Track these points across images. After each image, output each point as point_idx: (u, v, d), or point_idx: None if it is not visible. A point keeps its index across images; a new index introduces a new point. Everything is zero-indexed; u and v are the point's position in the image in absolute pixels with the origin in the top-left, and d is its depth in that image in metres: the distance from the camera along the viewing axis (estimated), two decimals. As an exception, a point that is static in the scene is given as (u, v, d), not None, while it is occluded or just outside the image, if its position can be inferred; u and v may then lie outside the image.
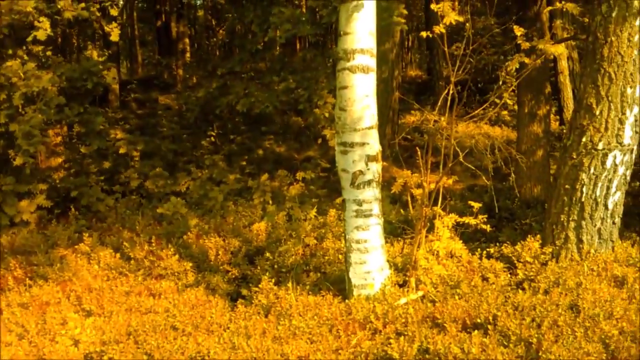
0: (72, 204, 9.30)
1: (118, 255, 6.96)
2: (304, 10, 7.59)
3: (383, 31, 12.12)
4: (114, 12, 9.67)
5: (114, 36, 9.77)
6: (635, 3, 5.13)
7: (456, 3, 20.80)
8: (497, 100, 5.93)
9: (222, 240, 7.27)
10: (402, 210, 8.35)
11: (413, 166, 5.70)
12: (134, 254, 6.97)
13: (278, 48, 17.51)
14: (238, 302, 5.59)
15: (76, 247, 7.25)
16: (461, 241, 6.00)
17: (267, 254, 6.66)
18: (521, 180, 9.50)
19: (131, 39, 27.07)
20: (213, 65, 11.79)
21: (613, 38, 5.23)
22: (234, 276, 6.53)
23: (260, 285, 5.57)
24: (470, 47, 5.17)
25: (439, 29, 4.94)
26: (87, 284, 6.14)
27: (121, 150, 10.69)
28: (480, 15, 18.57)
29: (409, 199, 5.69)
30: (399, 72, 14.16)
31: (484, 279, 5.30)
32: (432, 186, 5.43)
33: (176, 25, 20.07)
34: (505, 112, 16.29)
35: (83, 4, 8.76)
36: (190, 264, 6.66)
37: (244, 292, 5.94)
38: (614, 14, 5.21)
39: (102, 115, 10.30)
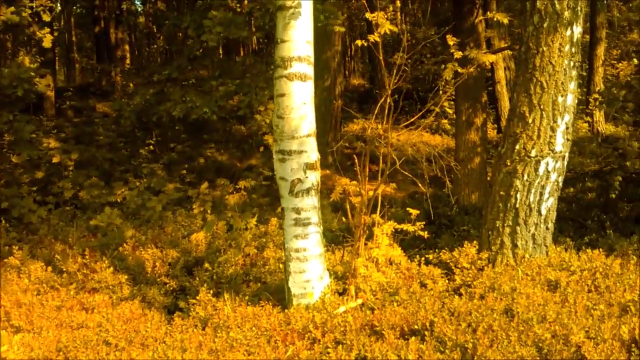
0: (2, 215, 8.93)
1: (50, 268, 6.72)
2: (242, 12, 7.50)
3: (325, 39, 12.19)
4: (46, 17, 9.33)
5: (47, 42, 9.44)
6: (566, 14, 5.30)
7: (398, 14, 21.13)
8: (437, 109, 6.01)
9: (160, 251, 7.10)
10: (343, 218, 8.35)
11: (355, 174, 5.70)
12: (66, 267, 6.74)
13: (221, 54, 17.36)
14: (175, 314, 5.46)
15: (5, 260, 6.96)
16: (401, 248, 6.04)
17: (206, 265, 6.54)
18: (459, 187, 9.69)
19: (68, 45, 26.35)
20: (150, 72, 11.53)
21: (545, 48, 5.38)
22: (171, 288, 6.38)
23: (198, 297, 5.45)
24: (407, 56, 5.22)
25: (374, 37, 4.97)
26: (16, 299, 5.88)
27: (54, 160, 10.33)
28: (420, 26, 18.95)
29: (348, 207, 5.69)
30: (341, 80, 14.26)
31: (423, 285, 5.34)
32: (371, 194, 5.45)
33: (115, 32, 19.63)
34: (445, 121, 16.65)
35: (13, 8, 8.42)
36: (126, 277, 6.48)
37: (182, 304, 5.81)
38: (545, 25, 5.36)
39: (33, 124, 9.92)
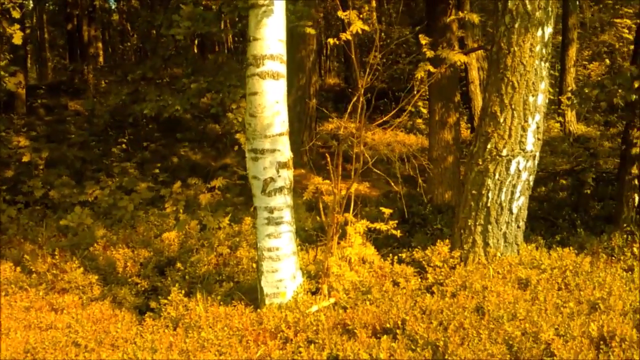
0: (-31, 215, 8.75)
1: (18, 269, 6.61)
2: (212, 8, 7.41)
3: (299, 38, 12.17)
4: (16, 14, 9.15)
5: (17, 39, 9.24)
6: (537, 14, 5.35)
7: (373, 13, 21.20)
8: (412, 109, 6.03)
9: (131, 251, 7.02)
10: (317, 217, 8.34)
11: (329, 173, 5.70)
12: (35, 267, 6.62)
13: (196, 52, 17.23)
14: (146, 315, 5.40)
15: (-28, 261, 6.81)
16: (374, 247, 6.05)
17: (179, 265, 6.48)
18: (433, 186, 9.73)
19: (41, 43, 25.95)
20: (123, 71, 11.39)
21: (516, 48, 5.41)
22: (143, 288, 6.31)
23: (169, 297, 5.39)
24: (380, 55, 5.22)
25: (346, 36, 4.97)
26: (-18, 301, 5.76)
27: (24, 158, 10.15)
28: (395, 26, 19.02)
29: (320, 205, 5.68)
30: (316, 79, 14.23)
31: (395, 283, 5.35)
32: (344, 192, 5.44)
33: (88, 29, 19.36)
34: (420, 120, 16.73)
35: (-21, 4, 8.25)
36: (96, 277, 6.39)
37: (153, 304, 5.74)
38: (516, 25, 5.40)
39: (2, 122, 9.74)
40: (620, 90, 6.97)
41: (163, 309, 5.30)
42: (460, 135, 11.11)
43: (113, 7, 24.12)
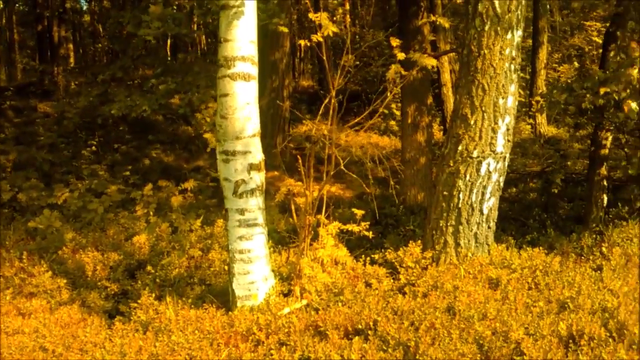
0: None
1: (-16, 273, 6.46)
2: (184, 10, 7.35)
3: (273, 40, 12.14)
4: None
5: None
6: (507, 17, 5.40)
7: (347, 16, 21.25)
8: (385, 110, 6.04)
9: (101, 254, 6.91)
10: (290, 219, 8.32)
11: (302, 175, 5.68)
12: (2, 271, 6.50)
13: (169, 54, 17.08)
14: (116, 319, 5.32)
15: (-64, 265, 6.65)
16: (346, 248, 6.04)
17: (149, 268, 6.40)
18: (406, 187, 9.78)
19: (10, 44, 25.48)
20: (93, 72, 11.24)
21: (486, 51, 5.46)
22: (112, 292, 6.22)
23: (139, 301, 5.33)
24: (351, 57, 5.22)
25: (317, 37, 4.96)
26: (-54, 306, 5.63)
27: (-8, 161, 9.95)
28: (370, 29, 19.10)
29: (292, 207, 5.66)
30: (290, 81, 14.21)
31: (368, 285, 5.34)
32: (316, 194, 5.43)
33: (58, 30, 19.07)
34: (393, 122, 16.81)
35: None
36: (65, 281, 6.28)
37: (123, 308, 5.67)
38: (486, 28, 5.44)
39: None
40: (588, 95, 7.08)
41: (133, 313, 5.24)
42: (433, 137, 11.18)
43: (84, 7, 23.84)
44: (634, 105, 6.60)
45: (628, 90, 6.83)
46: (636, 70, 6.86)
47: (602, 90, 6.75)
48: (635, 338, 3.74)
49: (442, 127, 16.44)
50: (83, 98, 10.81)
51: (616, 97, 6.81)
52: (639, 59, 7.43)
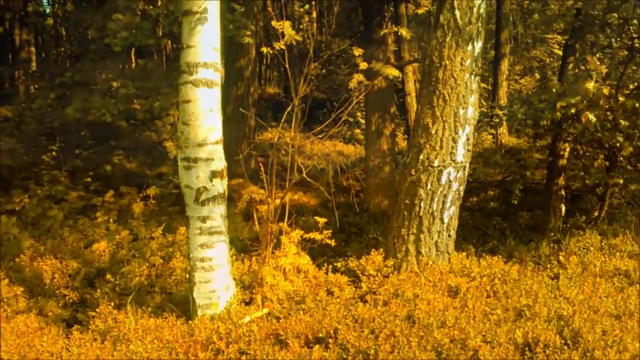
0: None
1: (-62, 281, 6.27)
2: (149, 18, 7.28)
3: (238, 47, 12.09)
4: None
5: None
6: (467, 29, 5.49)
7: (314, 24, 21.34)
8: (350, 119, 6.06)
9: (60, 262, 6.78)
10: (253, 227, 8.28)
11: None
12: (-44, 279, 6.31)
13: (133, 59, 16.86)
14: (74, 328, 5.22)
15: None
16: (309, 256, 6.04)
17: (109, 276, 6.29)
18: (370, 195, 9.84)
19: (-32, 47, 24.85)
20: (52, 74, 11.04)
21: (447, 62, 5.55)
22: (71, 301, 6.11)
23: (98, 310, 5.24)
24: (315, 65, 5.25)
25: (279, 45, 4.98)
26: None
27: (-53, 166, 9.68)
28: (336, 37, 19.19)
29: (255, 215, 5.65)
30: (255, 88, 14.16)
31: (330, 293, 5.35)
32: (278, 202, 5.43)
33: (20, 33, 18.67)
34: (358, 131, 16.91)
35: None
36: (22, 289, 6.15)
37: (81, 317, 5.56)
38: (447, 39, 5.53)
39: None
40: (546, 112, 7.24)
41: (91, 322, 5.14)
42: (397, 146, 11.27)
43: (47, 11, 23.38)
44: (591, 116, 6.77)
45: (585, 102, 7.02)
46: (592, 83, 7.05)
47: (559, 105, 6.91)
48: (589, 345, 3.83)
49: (406, 135, 16.59)
50: (39, 100, 10.57)
51: (573, 110, 6.98)
52: (596, 72, 7.64)
